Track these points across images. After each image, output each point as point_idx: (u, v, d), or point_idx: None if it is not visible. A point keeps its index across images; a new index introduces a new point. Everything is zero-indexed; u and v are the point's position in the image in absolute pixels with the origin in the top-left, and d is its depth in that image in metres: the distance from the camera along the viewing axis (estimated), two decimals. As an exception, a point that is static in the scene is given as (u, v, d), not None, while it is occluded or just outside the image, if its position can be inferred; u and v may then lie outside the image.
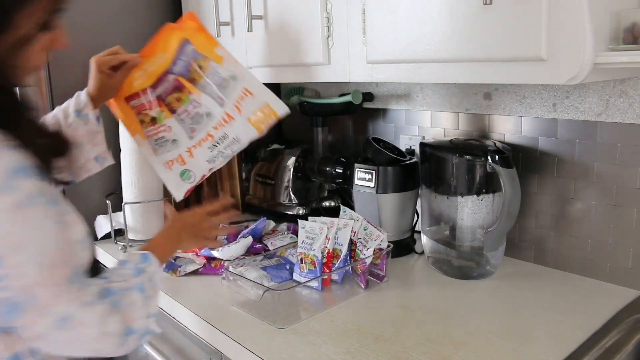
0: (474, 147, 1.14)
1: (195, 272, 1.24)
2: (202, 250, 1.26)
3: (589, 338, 0.90)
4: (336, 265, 1.12)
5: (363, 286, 1.12)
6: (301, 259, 1.13)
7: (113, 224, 1.46)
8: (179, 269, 1.24)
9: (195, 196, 1.65)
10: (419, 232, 1.31)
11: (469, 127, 1.30)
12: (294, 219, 1.42)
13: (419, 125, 1.42)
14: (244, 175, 1.74)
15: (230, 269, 1.10)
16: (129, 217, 1.43)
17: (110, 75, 1.05)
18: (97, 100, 1.05)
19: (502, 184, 1.05)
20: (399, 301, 1.07)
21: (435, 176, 1.20)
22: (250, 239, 1.27)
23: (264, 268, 1.17)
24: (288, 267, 1.19)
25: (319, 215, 1.17)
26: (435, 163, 1.19)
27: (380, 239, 1.12)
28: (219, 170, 1.66)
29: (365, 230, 1.15)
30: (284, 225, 1.45)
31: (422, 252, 1.28)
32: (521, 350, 0.87)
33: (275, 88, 1.88)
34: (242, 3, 1.23)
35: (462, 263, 1.18)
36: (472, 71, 0.87)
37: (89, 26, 1.45)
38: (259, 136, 1.09)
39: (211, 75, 1.05)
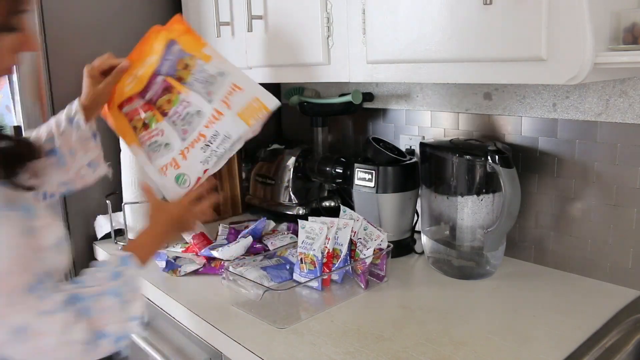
0: (474, 147, 1.14)
1: (195, 272, 1.24)
2: (202, 250, 1.26)
3: (589, 338, 0.90)
4: (336, 265, 1.12)
5: (363, 286, 1.12)
6: (301, 259, 1.13)
7: (113, 224, 1.46)
8: (179, 269, 1.24)
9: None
10: (419, 232, 1.31)
11: (469, 127, 1.30)
12: (294, 219, 1.41)
13: (419, 125, 1.42)
14: (244, 175, 1.74)
15: (230, 269, 1.10)
16: (129, 217, 1.43)
17: (100, 81, 1.04)
18: (90, 107, 1.03)
19: (502, 184, 1.05)
20: (399, 301, 1.07)
21: (435, 176, 1.20)
22: (250, 239, 1.27)
23: (264, 268, 1.17)
24: (288, 267, 1.19)
25: (319, 215, 1.17)
26: (435, 163, 1.19)
27: (380, 239, 1.12)
28: (219, 170, 1.67)
29: (365, 230, 1.15)
30: (284, 225, 1.45)
31: (422, 252, 1.28)
32: (521, 350, 0.87)
33: (275, 88, 1.88)
34: (242, 3, 1.23)
35: (462, 263, 1.18)
36: (472, 71, 0.87)
37: (89, 26, 1.45)
38: (252, 133, 1.05)
39: (198, 73, 1.02)
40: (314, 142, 1.56)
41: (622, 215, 1.06)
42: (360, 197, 1.31)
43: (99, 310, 0.75)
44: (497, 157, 1.06)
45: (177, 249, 1.31)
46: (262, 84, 1.31)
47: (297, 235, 1.17)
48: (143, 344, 1.18)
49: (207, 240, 1.31)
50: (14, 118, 1.43)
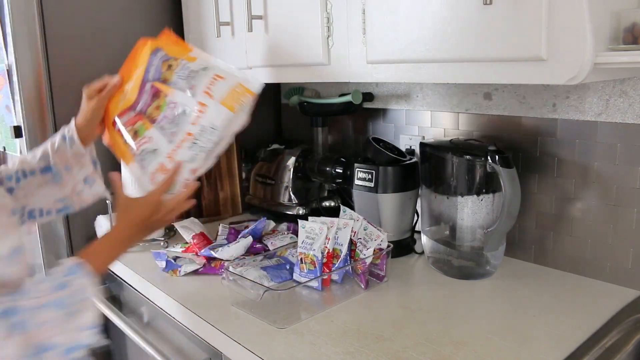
0: (474, 147, 1.14)
1: (195, 272, 1.24)
2: (202, 250, 1.26)
3: (589, 338, 0.90)
4: (336, 265, 1.12)
5: (363, 286, 1.12)
6: (301, 259, 1.13)
7: (113, 224, 1.46)
8: (179, 269, 1.24)
9: (196, 197, 1.65)
10: (419, 232, 1.31)
11: (469, 127, 1.30)
12: (294, 219, 1.41)
13: (419, 125, 1.42)
14: (244, 175, 1.74)
15: (230, 269, 1.10)
16: (129, 217, 1.43)
17: (93, 99, 1.03)
18: (85, 126, 1.03)
19: (502, 184, 1.05)
20: (399, 301, 1.07)
21: (435, 176, 1.20)
22: (250, 239, 1.27)
23: (264, 268, 1.17)
24: (288, 267, 1.19)
25: (319, 215, 1.17)
26: (435, 163, 1.19)
27: (380, 239, 1.12)
28: (219, 169, 1.68)
29: (365, 230, 1.15)
30: (284, 225, 1.45)
31: (422, 252, 1.28)
32: (521, 350, 0.87)
33: (275, 88, 1.88)
34: (242, 3, 1.23)
35: (462, 263, 1.18)
36: (472, 71, 0.87)
37: (89, 27, 1.45)
38: (240, 122, 1.01)
39: (181, 70, 0.99)
40: (314, 142, 1.56)
41: (622, 215, 1.06)
42: (360, 197, 1.31)
43: (38, 323, 0.72)
44: (497, 157, 1.06)
45: (177, 249, 1.31)
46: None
47: (297, 235, 1.17)
48: (143, 344, 1.18)
49: (207, 240, 1.31)
50: (14, 118, 1.43)
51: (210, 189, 1.67)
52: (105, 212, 1.47)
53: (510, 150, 1.12)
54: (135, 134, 0.99)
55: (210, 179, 1.67)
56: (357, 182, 1.30)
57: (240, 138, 1.73)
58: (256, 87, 1.01)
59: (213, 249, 1.25)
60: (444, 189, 1.17)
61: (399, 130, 1.48)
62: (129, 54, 1.06)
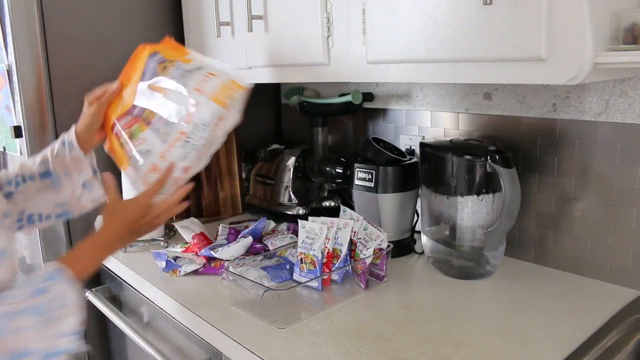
0: (474, 147, 1.14)
1: (195, 272, 1.24)
2: (202, 250, 1.26)
3: (589, 338, 0.90)
4: (336, 265, 1.12)
5: (363, 286, 1.12)
6: (301, 259, 1.13)
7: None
8: (179, 269, 1.24)
9: (196, 197, 1.66)
10: (419, 232, 1.31)
11: (469, 127, 1.30)
12: (294, 219, 1.41)
13: (419, 125, 1.42)
14: (244, 175, 1.74)
15: (230, 269, 1.10)
16: (129, 217, 1.43)
17: (93, 105, 1.03)
18: (85, 132, 1.02)
19: (502, 184, 1.05)
20: (399, 301, 1.07)
21: (435, 176, 1.20)
22: (250, 239, 1.27)
23: (264, 268, 1.17)
24: (288, 267, 1.19)
25: (319, 215, 1.17)
26: (435, 163, 1.19)
27: (380, 239, 1.12)
28: (219, 169, 1.68)
29: (365, 230, 1.15)
30: (284, 225, 1.45)
31: (422, 252, 1.28)
32: (521, 350, 0.87)
33: (275, 88, 1.88)
34: (242, 3, 1.23)
35: (462, 263, 1.18)
36: (472, 71, 0.87)
37: (89, 27, 1.46)
38: (232, 120, 1.00)
39: (175, 70, 0.98)
40: (314, 142, 1.56)
41: (622, 215, 1.06)
42: (360, 197, 1.31)
43: (15, 329, 0.71)
44: (497, 157, 1.06)
45: (177, 249, 1.31)
46: (262, 84, 1.31)
47: (297, 235, 1.17)
48: (143, 344, 1.18)
49: (207, 240, 1.31)
50: (14, 118, 1.43)
51: (210, 189, 1.67)
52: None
53: (510, 150, 1.12)
54: (131, 137, 0.99)
55: (210, 179, 1.67)
56: (357, 182, 1.30)
57: (241, 138, 1.73)
58: (246, 83, 0.99)
59: (213, 249, 1.25)
60: (444, 189, 1.17)
61: (399, 130, 1.48)
62: (128, 55, 1.06)
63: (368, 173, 1.28)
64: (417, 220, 1.34)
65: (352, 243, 1.15)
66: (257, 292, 1.00)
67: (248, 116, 1.81)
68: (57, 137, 1.42)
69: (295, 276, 1.15)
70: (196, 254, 1.26)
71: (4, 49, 1.40)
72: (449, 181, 1.15)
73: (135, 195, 0.95)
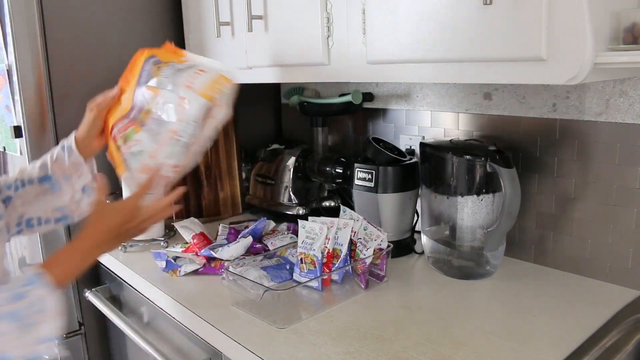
0: (474, 147, 1.14)
1: (195, 272, 1.24)
2: (202, 250, 1.26)
3: (589, 338, 0.90)
4: (336, 265, 1.12)
5: (363, 286, 1.12)
6: (301, 259, 1.13)
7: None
8: (179, 269, 1.24)
9: (196, 197, 1.66)
10: (419, 232, 1.31)
11: (469, 127, 1.30)
12: (294, 219, 1.41)
13: (419, 125, 1.42)
14: (244, 175, 1.74)
15: (230, 269, 1.10)
16: (129, 217, 1.43)
17: (93, 111, 1.02)
18: (85, 138, 1.02)
19: (502, 184, 1.05)
20: (399, 301, 1.07)
21: (435, 176, 1.20)
22: (250, 239, 1.27)
23: (264, 268, 1.17)
24: (288, 267, 1.19)
25: (319, 215, 1.17)
26: (435, 163, 1.19)
27: (380, 239, 1.12)
28: (219, 169, 1.68)
29: (365, 230, 1.15)
30: (284, 225, 1.45)
31: (422, 252, 1.28)
32: (521, 350, 0.87)
33: (275, 88, 1.88)
34: (242, 3, 1.23)
35: (462, 263, 1.18)
36: (472, 71, 0.87)
37: (89, 26, 1.46)
38: (220, 115, 0.98)
39: (167, 70, 0.98)
40: (314, 142, 1.56)
41: (622, 215, 1.06)
42: (360, 197, 1.31)
43: None
44: (497, 157, 1.06)
45: (177, 249, 1.31)
46: (262, 84, 1.31)
47: (297, 235, 1.17)
48: (143, 344, 1.18)
49: (207, 240, 1.31)
50: (14, 118, 1.43)
51: (210, 189, 1.67)
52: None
53: (510, 150, 1.12)
54: (125, 140, 0.98)
55: (210, 179, 1.67)
56: (357, 182, 1.30)
57: (241, 138, 1.73)
58: (234, 77, 0.98)
59: (213, 249, 1.25)
60: (444, 189, 1.17)
61: (399, 130, 1.48)
62: (128, 55, 1.06)
63: (368, 173, 1.28)
64: (417, 220, 1.34)
65: (352, 243, 1.15)
66: (257, 292, 1.00)
67: (248, 116, 1.83)
68: (57, 137, 1.42)
69: (295, 276, 1.15)
70: (196, 254, 1.26)
71: (4, 49, 1.40)
72: (449, 181, 1.15)
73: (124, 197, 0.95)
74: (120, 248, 1.41)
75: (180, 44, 1.56)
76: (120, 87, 1.03)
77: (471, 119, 1.30)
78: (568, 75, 0.75)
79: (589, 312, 0.99)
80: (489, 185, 1.11)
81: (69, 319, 1.50)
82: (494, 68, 0.84)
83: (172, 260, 1.26)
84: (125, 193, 1.41)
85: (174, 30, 1.57)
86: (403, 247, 1.31)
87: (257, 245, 1.30)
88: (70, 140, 1.02)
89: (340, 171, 1.39)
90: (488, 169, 1.07)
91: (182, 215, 1.61)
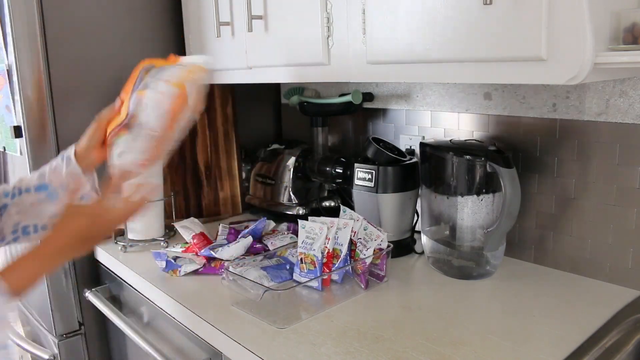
0: (474, 147, 1.14)
1: (195, 272, 1.24)
2: (202, 250, 1.26)
3: (589, 338, 0.90)
4: (336, 265, 1.12)
5: (363, 286, 1.12)
6: (301, 259, 1.13)
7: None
8: (179, 269, 1.24)
9: (196, 197, 1.66)
10: (419, 232, 1.31)
11: (469, 127, 1.30)
12: (294, 219, 1.42)
13: (419, 125, 1.42)
14: (244, 175, 1.74)
15: (230, 269, 1.10)
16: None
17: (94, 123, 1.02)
18: (85, 148, 1.01)
19: (502, 184, 1.05)
20: (399, 301, 1.07)
21: (435, 176, 1.20)
22: (250, 239, 1.27)
23: (264, 268, 1.17)
24: (288, 267, 1.19)
25: (319, 215, 1.17)
26: (435, 163, 1.19)
27: (380, 239, 1.12)
28: (219, 169, 1.68)
29: (365, 230, 1.15)
30: (284, 225, 1.45)
31: (422, 252, 1.28)
32: (521, 350, 0.87)
33: (275, 88, 1.88)
34: (242, 3, 1.23)
35: (462, 263, 1.18)
36: (472, 71, 0.87)
37: (89, 26, 1.45)
38: (192, 109, 0.96)
39: (154, 71, 0.97)
40: (314, 142, 1.56)
41: (622, 215, 1.06)
42: (360, 197, 1.31)
43: None
44: (497, 157, 1.06)
45: (177, 249, 1.31)
46: (262, 84, 1.31)
47: (297, 235, 1.17)
48: (143, 344, 1.18)
49: (207, 240, 1.31)
50: (14, 118, 1.43)
51: (210, 189, 1.67)
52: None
53: (510, 150, 1.12)
54: (112, 145, 0.98)
55: (210, 179, 1.67)
56: (357, 182, 1.30)
57: (241, 138, 1.73)
58: (208, 64, 0.96)
59: (213, 249, 1.25)
60: (444, 189, 1.17)
61: (399, 130, 1.48)
62: (128, 55, 1.05)
63: (368, 173, 1.28)
64: (417, 220, 1.34)
65: (352, 243, 1.15)
66: (257, 292, 1.00)
67: (248, 116, 1.83)
68: (57, 137, 1.42)
69: (295, 276, 1.15)
70: (196, 254, 1.27)
71: (4, 49, 1.40)
72: (449, 181, 1.15)
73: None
74: (120, 248, 1.41)
75: (180, 44, 1.56)
76: (121, 98, 1.03)
77: (471, 119, 1.30)
78: (568, 75, 0.75)
79: (589, 312, 0.99)
80: (489, 185, 1.11)
81: (69, 319, 1.50)
82: (494, 68, 0.84)
83: (172, 260, 1.26)
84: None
85: (174, 30, 1.57)
86: (403, 247, 1.31)
87: (257, 245, 1.30)
88: (69, 151, 1.01)
89: (340, 171, 1.39)
90: (488, 169, 1.07)
91: (182, 215, 1.61)
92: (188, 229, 1.34)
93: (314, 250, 1.10)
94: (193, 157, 1.64)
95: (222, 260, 1.23)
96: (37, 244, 0.83)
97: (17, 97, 1.39)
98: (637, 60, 0.73)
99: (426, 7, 0.90)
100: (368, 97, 1.48)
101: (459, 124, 1.32)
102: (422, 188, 1.27)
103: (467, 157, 1.11)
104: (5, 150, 1.55)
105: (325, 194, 1.59)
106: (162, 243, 1.44)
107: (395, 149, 1.33)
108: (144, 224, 1.45)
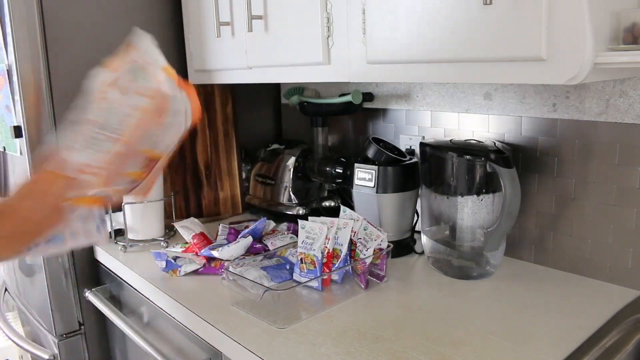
0: (474, 147, 1.14)
1: (195, 272, 1.24)
2: (202, 250, 1.26)
3: (589, 338, 0.90)
4: (336, 265, 1.12)
5: (363, 286, 1.12)
6: (301, 259, 1.13)
7: (113, 224, 1.46)
8: (179, 269, 1.24)
9: (196, 198, 1.66)
10: (419, 232, 1.31)
11: (469, 127, 1.30)
12: (294, 219, 1.42)
13: (419, 125, 1.42)
14: (244, 175, 1.74)
15: (230, 269, 1.10)
16: (129, 217, 1.43)
17: None
18: None
19: (502, 184, 1.05)
20: (399, 301, 1.07)
21: (435, 176, 1.20)
22: (250, 239, 1.27)
23: (264, 268, 1.17)
24: (288, 267, 1.19)
25: (319, 215, 1.17)
26: (435, 163, 1.19)
27: (380, 239, 1.12)
28: (219, 169, 1.68)
29: (365, 230, 1.15)
30: (284, 225, 1.45)
31: (422, 252, 1.28)
32: (521, 350, 0.87)
33: (275, 88, 1.88)
34: (242, 3, 1.23)
35: (462, 263, 1.18)
36: (472, 71, 0.87)
37: (89, 26, 1.45)
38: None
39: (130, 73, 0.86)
40: (314, 142, 1.56)
41: (622, 215, 1.06)
42: (360, 197, 1.31)
43: None
44: (497, 157, 1.06)
45: (177, 249, 1.31)
46: (262, 84, 1.31)
47: (297, 235, 1.17)
48: (143, 344, 1.18)
49: (207, 240, 1.31)
50: (14, 118, 1.43)
51: (210, 189, 1.67)
52: (105, 212, 1.47)
53: (510, 150, 1.12)
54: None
55: (210, 179, 1.67)
56: (357, 182, 1.30)
57: (241, 138, 1.73)
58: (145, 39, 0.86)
59: (213, 249, 1.25)
60: (444, 189, 1.17)
61: (399, 130, 1.48)
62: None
63: (368, 173, 1.28)
64: (417, 220, 1.34)
65: (352, 243, 1.15)
66: (257, 292, 1.00)
67: (248, 116, 1.83)
68: (57, 136, 1.42)
69: (295, 276, 1.15)
70: (196, 254, 1.27)
71: (4, 49, 1.40)
72: (449, 181, 1.15)
73: None
74: (120, 248, 1.41)
75: (180, 44, 1.56)
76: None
77: (471, 119, 1.30)
78: (568, 75, 0.75)
79: (589, 312, 0.99)
80: (489, 185, 1.11)
81: (69, 319, 1.50)
82: (494, 68, 0.84)
83: (172, 260, 1.26)
84: (128, 214, 1.41)
85: (174, 30, 1.57)
86: (403, 247, 1.31)
87: (257, 245, 1.30)
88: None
89: (340, 171, 1.39)
90: (488, 169, 1.07)
91: (182, 215, 1.61)
92: (188, 229, 1.34)
93: (314, 250, 1.10)
94: (193, 157, 1.64)
95: (222, 260, 1.23)
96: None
97: (17, 97, 1.39)
98: (637, 60, 0.73)
99: (426, 7, 0.90)
100: (368, 97, 1.48)
101: (459, 124, 1.32)
102: (422, 188, 1.27)
103: (467, 157, 1.11)
104: (5, 150, 1.55)
105: (325, 194, 1.59)
106: (162, 243, 1.44)
107: (395, 149, 1.33)
108: (144, 224, 1.45)
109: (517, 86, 1.19)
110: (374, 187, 1.27)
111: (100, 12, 1.47)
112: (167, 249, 1.33)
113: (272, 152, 1.64)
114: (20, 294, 1.79)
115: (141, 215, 1.44)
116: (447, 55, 0.89)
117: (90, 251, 1.49)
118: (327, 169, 1.42)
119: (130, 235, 1.44)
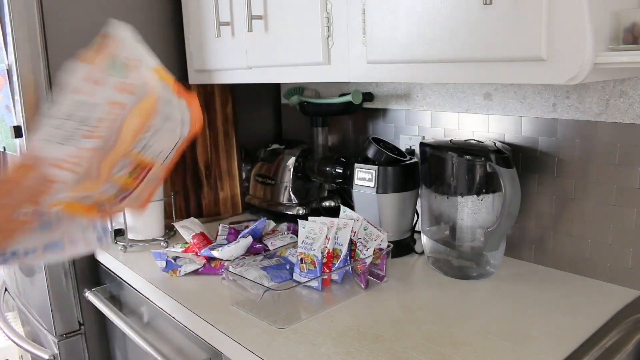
0: (474, 147, 1.14)
1: (195, 272, 1.24)
2: (202, 250, 1.26)
3: (589, 338, 0.90)
4: (336, 265, 1.12)
5: (363, 286, 1.12)
6: (301, 259, 1.13)
7: (113, 224, 1.46)
8: (179, 269, 1.24)
9: (196, 198, 1.66)
10: (419, 232, 1.31)
11: (469, 127, 1.30)
12: (294, 219, 1.42)
13: (419, 125, 1.42)
14: (244, 175, 1.74)
15: (230, 269, 1.10)
16: (129, 217, 1.43)
17: None
18: None
19: (502, 184, 1.05)
20: (399, 301, 1.07)
21: (435, 176, 1.20)
22: (250, 239, 1.27)
23: (264, 268, 1.17)
24: (288, 267, 1.19)
25: (319, 215, 1.17)
26: (435, 163, 1.19)
27: (380, 239, 1.12)
28: (219, 169, 1.68)
29: (365, 230, 1.15)
30: (284, 225, 1.45)
31: (422, 252, 1.28)
32: (521, 350, 0.87)
33: (275, 88, 1.88)
34: (242, 3, 1.23)
35: (462, 263, 1.18)
36: (472, 71, 0.87)
37: (89, 26, 1.45)
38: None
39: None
40: (314, 142, 1.56)
41: (622, 215, 1.06)
42: (360, 197, 1.31)
43: None
44: (497, 157, 1.06)
45: (177, 249, 1.31)
46: (262, 84, 1.31)
47: (297, 235, 1.17)
48: (143, 344, 1.18)
49: (207, 240, 1.31)
50: (14, 118, 1.43)
51: (210, 189, 1.67)
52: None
53: (510, 150, 1.12)
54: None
55: (210, 179, 1.67)
56: (357, 182, 1.30)
57: (241, 138, 1.73)
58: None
59: (213, 249, 1.25)
60: (444, 189, 1.17)
61: (399, 130, 1.48)
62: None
63: (368, 173, 1.28)
64: (417, 220, 1.34)
65: (352, 243, 1.15)
66: (257, 292, 1.00)
67: (248, 116, 1.82)
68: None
69: (295, 276, 1.15)
70: (196, 254, 1.27)
71: (4, 49, 1.40)
72: (449, 181, 1.15)
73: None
74: (120, 248, 1.41)
75: (180, 44, 1.56)
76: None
77: (471, 119, 1.30)
78: (568, 75, 0.75)
79: (589, 312, 0.99)
80: (489, 185, 1.11)
81: (69, 319, 1.50)
82: (494, 68, 0.84)
83: (172, 260, 1.26)
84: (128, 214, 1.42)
85: (174, 30, 1.57)
86: (403, 247, 1.31)
87: (257, 245, 1.30)
88: None
89: (340, 171, 1.39)
90: (488, 169, 1.07)
91: (182, 215, 1.61)
92: (188, 229, 1.34)
93: (314, 250, 1.10)
94: (193, 157, 1.64)
95: (222, 260, 1.23)
96: None
97: (17, 97, 1.39)
98: (637, 60, 0.73)
99: (426, 7, 0.90)
100: (368, 97, 1.48)
101: (459, 124, 1.32)
102: (422, 188, 1.27)
103: (467, 157, 1.11)
104: (5, 150, 1.55)
105: (325, 194, 1.59)
106: (162, 243, 1.44)
107: (395, 149, 1.33)
108: (144, 224, 1.45)
109: (517, 86, 1.19)
110: (374, 187, 1.27)
111: (100, 12, 1.47)
112: (167, 249, 1.33)
113: (272, 152, 1.64)
114: (20, 294, 1.79)
115: (141, 215, 1.44)
116: (447, 55, 0.89)
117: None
118: (327, 169, 1.42)
119: (130, 235, 1.44)
